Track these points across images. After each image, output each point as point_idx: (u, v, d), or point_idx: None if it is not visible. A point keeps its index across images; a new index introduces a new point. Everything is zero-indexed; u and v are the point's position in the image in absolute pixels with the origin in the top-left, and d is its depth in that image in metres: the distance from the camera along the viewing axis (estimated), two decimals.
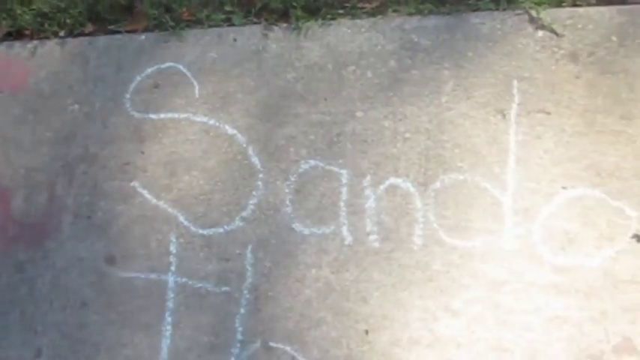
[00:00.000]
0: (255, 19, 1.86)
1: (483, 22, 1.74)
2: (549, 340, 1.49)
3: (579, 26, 1.70)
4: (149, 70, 1.82)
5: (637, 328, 1.47)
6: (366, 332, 1.55)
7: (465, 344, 1.51)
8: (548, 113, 1.63)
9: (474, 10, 1.77)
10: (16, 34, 1.95)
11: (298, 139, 1.71)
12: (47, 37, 1.91)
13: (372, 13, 1.82)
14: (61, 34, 1.92)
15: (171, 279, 1.65)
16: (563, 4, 1.71)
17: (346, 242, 1.62)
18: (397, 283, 1.57)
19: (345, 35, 1.79)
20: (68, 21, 1.91)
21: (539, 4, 1.74)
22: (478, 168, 1.62)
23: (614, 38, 1.67)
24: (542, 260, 1.54)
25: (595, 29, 1.69)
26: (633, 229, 1.53)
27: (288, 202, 1.67)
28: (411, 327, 1.54)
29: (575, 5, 1.70)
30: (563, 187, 1.58)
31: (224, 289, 1.63)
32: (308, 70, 1.76)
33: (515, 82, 1.67)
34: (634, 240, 1.52)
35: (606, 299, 1.49)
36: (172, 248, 1.67)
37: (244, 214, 1.68)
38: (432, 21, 1.76)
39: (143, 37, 1.86)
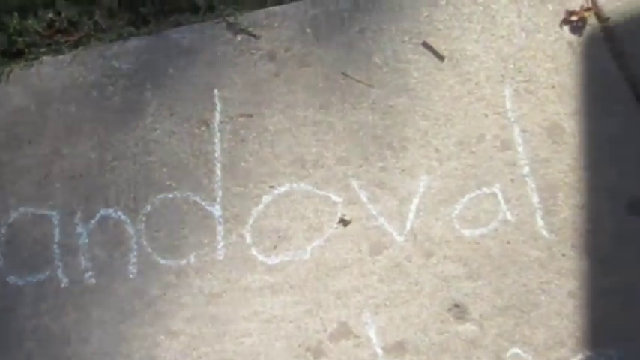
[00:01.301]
0: None
1: (184, 36, 2.24)
2: (269, 341, 1.93)
3: (275, 25, 2.22)
4: None
5: (351, 311, 1.93)
6: None
7: None
8: (250, 116, 2.12)
9: (176, 26, 2.27)
10: None
11: (6, 189, 2.14)
12: None
13: (76, 46, 2.29)
14: None
15: None
16: (266, 5, 2.20)
17: (62, 285, 2.04)
18: (116, 316, 2.00)
19: (48, 73, 2.26)
20: None
21: (238, 9, 2.24)
22: (187, 183, 2.09)
23: (308, 31, 2.20)
24: (255, 263, 2.00)
25: (290, 25, 2.21)
26: (339, 214, 2.00)
27: (0, 256, 2.08)
28: (133, 358, 1.96)
29: (278, 4, 2.20)
30: (271, 186, 2.06)
31: None
32: (10, 115, 2.22)
33: (216, 91, 2.16)
34: (341, 225, 2.00)
35: (320, 289, 1.96)
36: None
37: None
38: (133, 43, 2.25)
39: None
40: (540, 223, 1.97)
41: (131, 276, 2.04)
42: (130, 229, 2.08)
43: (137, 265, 2.05)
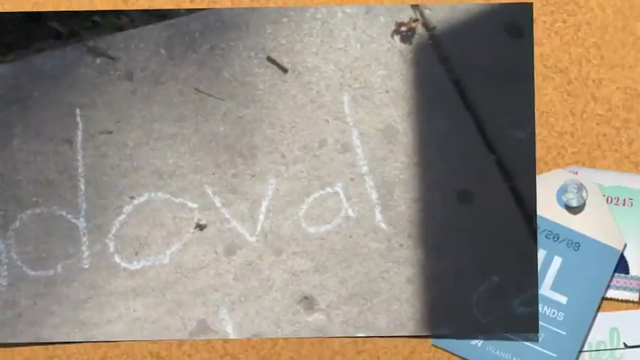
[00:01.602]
0: None
1: (46, 60, 2.43)
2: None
3: (132, 47, 2.43)
4: None
5: (209, 309, 2.15)
6: None
7: None
8: (111, 132, 2.33)
9: (39, 52, 2.46)
10: None
11: None
12: None
13: None
14: None
15: None
16: (127, 28, 2.41)
17: None
18: None
19: None
20: None
21: (97, 33, 2.45)
22: (52, 199, 2.28)
23: (162, 51, 2.41)
24: (118, 270, 2.20)
25: (146, 46, 2.43)
26: (196, 219, 2.23)
27: None
28: None
29: (134, 27, 2.41)
30: (131, 197, 2.26)
31: None
32: None
33: (78, 111, 2.36)
34: (197, 229, 2.22)
35: (179, 290, 2.17)
36: None
37: None
38: None
39: None
40: (379, 217, 2.23)
41: (2, 289, 2.23)
42: (0, 245, 2.26)
43: (8, 277, 2.23)
